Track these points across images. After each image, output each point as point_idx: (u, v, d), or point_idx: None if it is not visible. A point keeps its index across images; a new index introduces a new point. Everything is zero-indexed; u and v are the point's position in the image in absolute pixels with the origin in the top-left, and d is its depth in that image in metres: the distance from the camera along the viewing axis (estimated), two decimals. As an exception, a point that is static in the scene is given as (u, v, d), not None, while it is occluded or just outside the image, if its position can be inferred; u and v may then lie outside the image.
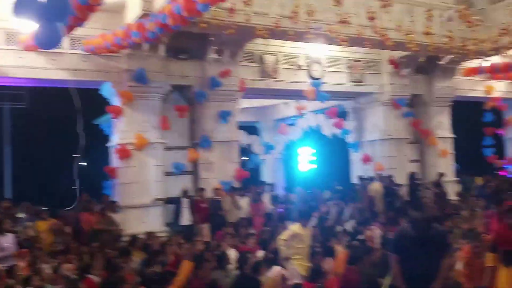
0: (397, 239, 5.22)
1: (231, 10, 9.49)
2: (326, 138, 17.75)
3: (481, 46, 12.26)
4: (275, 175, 18.78)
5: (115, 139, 11.40)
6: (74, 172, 12.33)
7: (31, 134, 21.53)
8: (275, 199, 13.20)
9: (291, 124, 18.24)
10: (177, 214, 11.23)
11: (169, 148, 11.90)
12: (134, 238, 9.25)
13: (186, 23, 8.73)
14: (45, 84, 11.44)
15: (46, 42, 5.48)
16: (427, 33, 11.50)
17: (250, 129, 18.93)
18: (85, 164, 29.87)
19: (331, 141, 17.81)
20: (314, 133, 18.50)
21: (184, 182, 11.95)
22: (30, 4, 5.08)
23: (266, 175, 18.58)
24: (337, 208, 12.45)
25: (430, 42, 11.71)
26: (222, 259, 6.95)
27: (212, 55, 12.00)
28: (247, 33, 10.89)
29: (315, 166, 20.53)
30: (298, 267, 7.57)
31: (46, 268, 7.20)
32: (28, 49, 10.02)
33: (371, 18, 10.16)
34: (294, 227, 8.03)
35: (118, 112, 11.14)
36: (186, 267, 5.89)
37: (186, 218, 11.21)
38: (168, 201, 11.38)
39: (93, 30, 10.49)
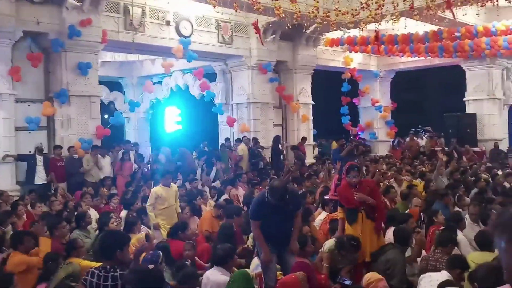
0: (256, 206, 5.34)
1: None
2: (193, 98, 17.62)
3: (342, 17, 12.93)
4: (140, 134, 18.26)
5: (-44, 88, 10.04)
6: None
7: None
8: (140, 159, 12.86)
9: (158, 82, 17.76)
10: (30, 172, 10.37)
11: (20, 101, 10.84)
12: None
13: None
14: None
15: None
16: (294, 1, 11.80)
17: (113, 85, 18.02)
18: None
19: (198, 102, 17.74)
20: (182, 93, 18.26)
21: (38, 138, 11.02)
22: None
23: (130, 134, 17.99)
24: (203, 168, 12.52)
25: (296, 9, 12.06)
26: (81, 219, 6.56)
27: (72, 1, 11.02)
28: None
29: (180, 126, 20.37)
30: (162, 229, 7.49)
31: None
32: None
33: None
34: (156, 189, 7.93)
35: (-42, 58, 9.78)
36: (44, 244, 5.43)
37: (40, 177, 10.43)
38: (20, 158, 10.44)
39: None
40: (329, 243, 5.73)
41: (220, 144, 15.33)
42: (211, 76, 16.55)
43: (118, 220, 7.05)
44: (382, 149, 19.80)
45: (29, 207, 8.17)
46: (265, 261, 5.17)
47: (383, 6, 11.81)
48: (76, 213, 7.33)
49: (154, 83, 16.45)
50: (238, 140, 14.79)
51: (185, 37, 13.37)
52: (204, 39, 14.13)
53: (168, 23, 13.16)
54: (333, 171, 11.06)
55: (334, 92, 18.79)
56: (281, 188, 5.13)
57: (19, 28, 10.51)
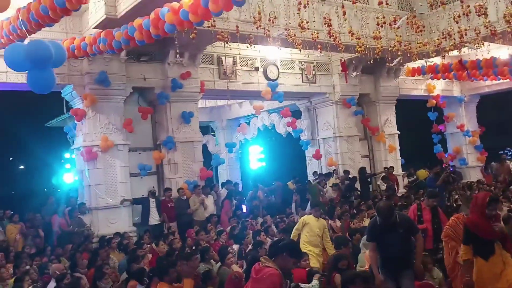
0: (369, 228, 5.88)
1: (190, 28, 9.73)
2: (279, 136, 18.43)
3: (424, 48, 13.26)
4: (232, 173, 19.21)
5: (80, 142, 11.45)
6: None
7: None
8: (239, 196, 13.65)
9: (246, 123, 18.75)
10: (145, 214, 11.44)
11: (133, 150, 12.08)
12: (109, 238, 9.41)
13: (151, 40, 8.86)
14: (7, 87, 11.24)
15: (40, 88, 5.72)
16: (376, 37, 12.32)
17: (204, 129, 19.24)
18: (22, 167, 29.30)
19: (284, 139, 18.52)
20: (268, 132, 19.15)
21: (149, 183, 12.17)
22: (17, 53, 5.34)
23: (223, 174, 19.00)
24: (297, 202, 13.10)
25: (378, 45, 12.56)
26: (205, 253, 7.31)
27: (173, 58, 12.27)
28: (208, 36, 11.26)
29: (264, 164, 21.26)
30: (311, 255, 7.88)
31: (31, 269, 7.31)
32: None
33: (328, 24, 10.80)
34: (306, 217, 8.61)
35: (81, 115, 11.19)
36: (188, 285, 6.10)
37: (154, 218, 11.46)
38: (135, 201, 11.56)
39: (54, 33, 10.55)
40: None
41: (307, 181, 15.74)
42: (295, 114, 17.27)
43: (234, 253, 7.78)
44: (473, 175, 19.35)
45: (153, 245, 9.09)
46: (377, 284, 5.61)
47: (466, 34, 12.04)
48: (199, 248, 8.08)
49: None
50: (328, 174, 15.27)
51: (272, 80, 14.29)
52: (290, 80, 14.97)
53: (257, 69, 14.17)
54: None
55: (419, 120, 18.83)
56: (386, 208, 5.64)
57: (129, 85, 11.85)
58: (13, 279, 7.20)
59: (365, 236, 6.54)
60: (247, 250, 8.65)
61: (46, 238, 10.45)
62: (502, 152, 19.88)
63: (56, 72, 10.99)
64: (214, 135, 19.83)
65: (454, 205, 11.55)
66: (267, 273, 4.06)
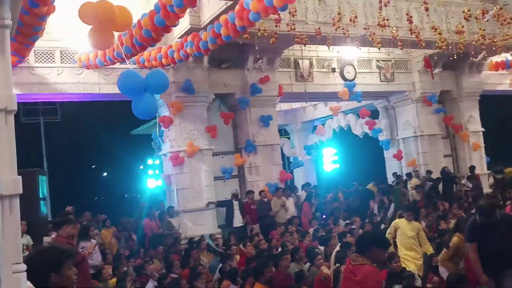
0: (469, 228, 5.70)
1: (277, 20, 9.93)
2: (355, 137, 18.22)
3: (510, 41, 12.63)
4: (308, 175, 19.21)
5: (167, 148, 11.96)
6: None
7: (64, 147, 22.25)
8: (316, 198, 13.69)
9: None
10: (229, 216, 11.74)
11: (215, 154, 12.44)
12: (198, 240, 9.76)
13: (237, 34, 9.16)
14: (98, 98, 11.98)
15: (144, 113, 6.04)
16: (459, 32, 11.90)
17: (279, 132, 19.37)
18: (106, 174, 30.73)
19: (361, 140, 18.28)
20: (343, 133, 18.99)
21: (231, 186, 12.48)
22: (133, 80, 5.71)
23: (299, 176, 19.05)
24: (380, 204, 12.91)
25: (461, 40, 12.12)
26: (296, 253, 7.42)
27: (252, 64, 12.52)
28: (287, 40, 11.39)
29: (338, 165, 21.07)
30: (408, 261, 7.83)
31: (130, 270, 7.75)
32: (88, 67, 10.61)
33: (410, 21, 10.59)
34: (397, 221, 8.45)
35: (168, 122, 11.69)
36: None
37: (238, 220, 11.74)
38: (220, 204, 11.89)
39: (140, 45, 11.09)
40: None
41: (390, 183, 15.42)
42: (373, 114, 16.96)
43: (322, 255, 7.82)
44: None
45: (241, 246, 9.33)
46: (482, 283, 5.44)
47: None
48: (290, 248, 8.21)
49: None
50: (409, 175, 14.91)
51: (349, 80, 14.18)
52: (367, 79, 14.79)
53: (333, 70, 14.14)
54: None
55: (504, 117, 17.92)
56: (487, 206, 5.47)
57: (211, 91, 12.23)
58: (115, 279, 7.65)
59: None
60: (333, 252, 8.66)
61: (138, 241, 10.99)
62: None
63: (143, 82, 11.70)
64: (289, 138, 19.96)
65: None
66: (365, 272, 4.07)
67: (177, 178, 11.59)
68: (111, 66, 11.23)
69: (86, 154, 25.89)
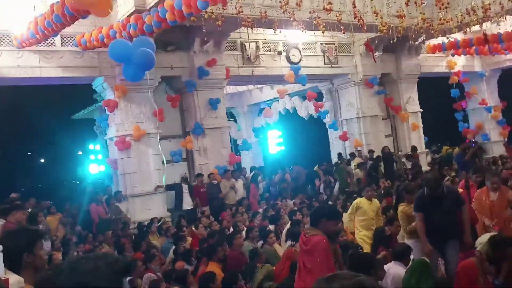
0: (417, 199, 6.07)
1: (224, 2, 9.90)
2: (301, 119, 18.57)
3: (446, 25, 13.23)
4: (255, 158, 19.43)
5: (113, 132, 11.73)
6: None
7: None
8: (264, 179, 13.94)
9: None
10: (178, 199, 11.74)
11: (163, 137, 12.32)
12: (148, 224, 9.72)
13: (183, 20, 9.09)
14: (39, 82, 11.54)
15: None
16: (400, 16, 12.33)
17: (226, 115, 19.40)
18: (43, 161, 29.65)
19: (306, 122, 18.66)
20: (289, 116, 19.29)
21: (180, 169, 12.45)
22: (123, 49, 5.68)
23: (246, 158, 19.21)
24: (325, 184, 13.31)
25: (401, 24, 12.57)
26: (249, 232, 7.58)
27: (198, 46, 12.43)
28: (234, 23, 11.38)
29: (283, 148, 21.44)
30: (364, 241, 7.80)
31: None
32: (22, 46, 10.17)
33: (353, 5, 10.87)
34: (358, 200, 8.35)
35: (113, 106, 11.45)
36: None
37: (187, 203, 11.77)
38: (169, 187, 11.85)
39: (83, 27, 10.77)
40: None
41: (334, 162, 15.89)
42: (317, 96, 17.36)
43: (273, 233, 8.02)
44: (496, 150, 19.32)
45: (193, 228, 9.38)
46: (425, 252, 5.82)
47: (489, 9, 12.01)
48: (244, 228, 8.36)
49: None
50: (352, 155, 15.43)
51: (295, 63, 14.39)
52: (312, 62, 15.06)
53: (279, 53, 14.29)
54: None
55: (441, 97, 18.82)
56: (434, 180, 5.85)
57: (157, 74, 12.05)
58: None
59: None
60: (284, 230, 8.89)
61: (84, 226, 10.80)
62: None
63: (87, 65, 11.39)
64: (235, 121, 20.04)
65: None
66: (314, 242, 4.28)
67: (124, 163, 11.42)
68: (52, 49, 10.89)
69: (22, 140, 24.88)
